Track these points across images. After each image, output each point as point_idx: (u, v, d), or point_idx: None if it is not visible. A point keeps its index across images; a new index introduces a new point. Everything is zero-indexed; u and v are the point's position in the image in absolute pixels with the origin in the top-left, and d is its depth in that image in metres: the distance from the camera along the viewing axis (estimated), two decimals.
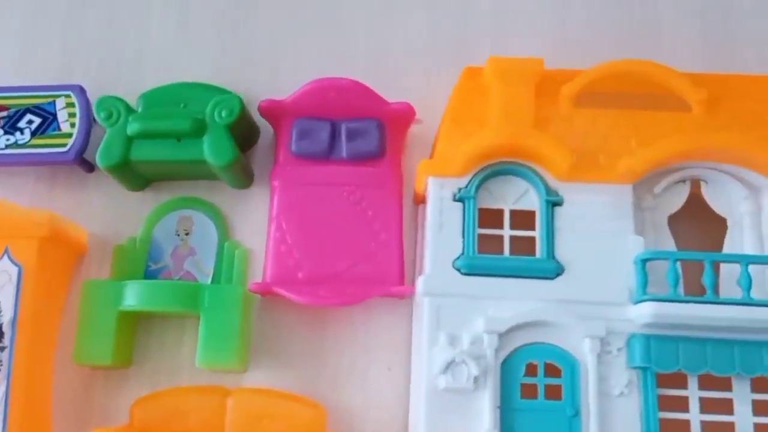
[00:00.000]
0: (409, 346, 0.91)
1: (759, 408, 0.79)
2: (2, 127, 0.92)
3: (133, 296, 0.87)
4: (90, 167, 0.97)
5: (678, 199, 0.87)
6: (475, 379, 0.78)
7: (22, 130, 0.92)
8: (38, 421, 0.85)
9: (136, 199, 0.97)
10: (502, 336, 0.80)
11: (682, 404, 0.79)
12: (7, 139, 0.92)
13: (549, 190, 0.85)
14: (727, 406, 0.79)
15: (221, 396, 0.87)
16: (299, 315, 0.92)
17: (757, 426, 0.78)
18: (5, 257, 0.84)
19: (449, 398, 0.79)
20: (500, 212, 0.86)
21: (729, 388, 0.79)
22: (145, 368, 0.91)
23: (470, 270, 0.82)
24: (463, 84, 0.91)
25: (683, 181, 0.88)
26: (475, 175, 0.86)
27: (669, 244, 0.86)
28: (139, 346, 0.92)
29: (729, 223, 0.87)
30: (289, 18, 1.03)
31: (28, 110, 0.92)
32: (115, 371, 0.91)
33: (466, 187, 0.85)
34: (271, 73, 1.01)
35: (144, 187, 0.97)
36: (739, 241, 0.85)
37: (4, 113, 0.93)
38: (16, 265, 0.84)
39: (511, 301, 0.81)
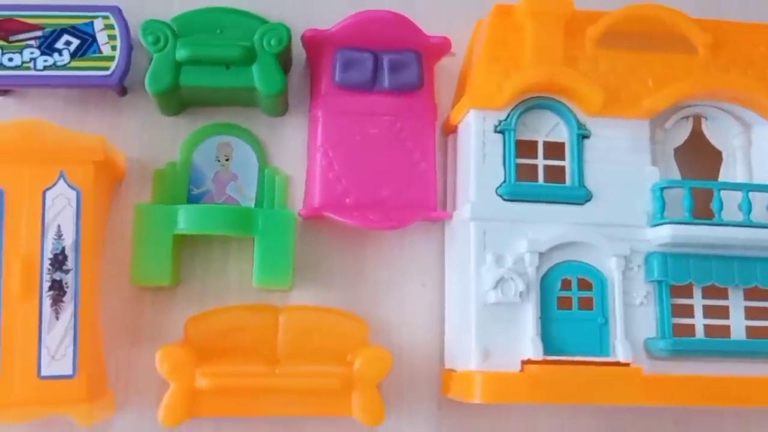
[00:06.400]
0: (441, 264, 0.99)
1: (750, 313, 0.93)
2: (38, 48, 0.90)
3: (190, 220, 0.89)
4: (124, 91, 0.96)
5: (683, 134, 0.98)
6: (521, 293, 0.88)
7: (60, 51, 0.90)
8: (98, 340, 0.88)
9: (170, 124, 0.98)
10: (542, 255, 0.89)
11: (687, 311, 0.92)
12: (45, 60, 0.90)
13: (579, 124, 0.93)
14: (723, 312, 0.93)
15: (273, 313, 0.93)
16: (336, 238, 0.98)
17: (748, 328, 0.92)
18: (61, 181, 0.85)
19: (497, 311, 0.88)
20: (534, 143, 0.94)
21: (726, 297, 0.93)
22: (193, 288, 0.95)
23: (512, 196, 0.91)
24: (494, 21, 0.96)
25: (687, 117, 0.99)
26: (514, 108, 0.93)
27: (675, 173, 0.97)
28: (186, 267, 0.95)
29: (724, 156, 0.99)
30: None
31: (64, 30, 0.90)
32: (164, 291, 0.94)
33: (506, 119, 0.92)
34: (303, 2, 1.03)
35: (179, 112, 0.98)
36: (732, 171, 0.98)
37: (39, 33, 0.90)
38: (73, 189, 0.85)
39: (547, 225, 0.91)
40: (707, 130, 0.99)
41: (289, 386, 0.85)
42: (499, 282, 0.87)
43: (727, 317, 0.93)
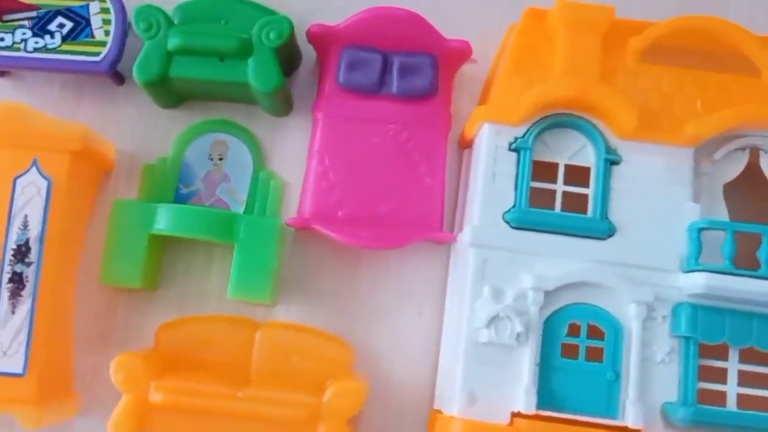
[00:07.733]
0: (443, 292, 0.89)
1: None
2: (31, 29, 0.86)
3: (167, 221, 0.83)
4: (121, 79, 0.91)
5: (736, 167, 0.85)
6: (518, 335, 0.77)
7: (52, 34, 0.86)
8: (61, 340, 0.83)
9: (167, 117, 0.93)
10: (548, 294, 0.78)
11: (719, 375, 0.79)
12: (36, 42, 0.86)
13: (608, 148, 0.82)
14: (762, 380, 0.79)
15: (250, 328, 0.86)
16: (331, 252, 0.89)
17: None
18: (33, 169, 0.80)
19: (489, 352, 0.77)
20: (554, 166, 0.83)
21: (765, 363, 0.79)
22: (171, 293, 0.89)
23: (520, 224, 0.80)
24: (525, 26, 0.86)
25: (742, 149, 0.85)
26: (533, 125, 0.82)
27: (722, 213, 0.83)
28: (166, 270, 0.89)
29: None
30: None
31: (59, 12, 0.86)
32: (140, 294, 0.88)
33: (523, 137, 0.82)
34: None
35: (177, 105, 0.92)
36: None
37: (33, 13, 0.86)
38: (45, 178, 0.80)
39: (559, 259, 0.79)
40: (766, 164, 0.85)
41: (250, 413, 0.77)
42: (494, 320, 0.77)
43: (766, 387, 0.78)
